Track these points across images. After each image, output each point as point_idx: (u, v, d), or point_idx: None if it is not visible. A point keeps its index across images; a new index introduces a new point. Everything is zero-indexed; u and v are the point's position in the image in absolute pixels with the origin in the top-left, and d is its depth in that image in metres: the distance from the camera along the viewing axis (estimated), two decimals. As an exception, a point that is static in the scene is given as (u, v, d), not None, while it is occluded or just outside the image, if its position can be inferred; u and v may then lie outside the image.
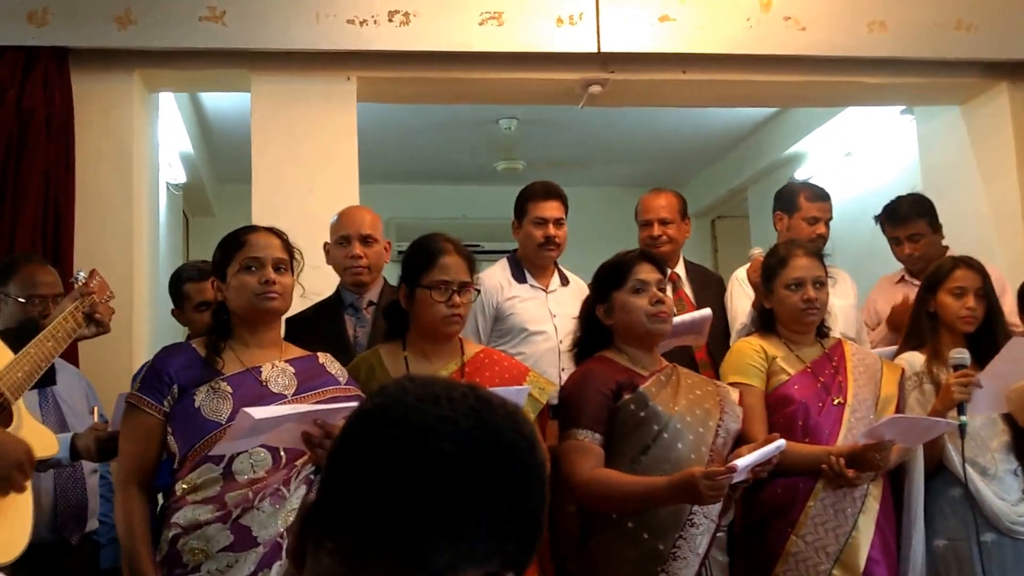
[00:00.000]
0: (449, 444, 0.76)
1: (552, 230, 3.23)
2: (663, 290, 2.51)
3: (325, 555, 0.78)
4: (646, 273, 2.49)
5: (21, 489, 2.15)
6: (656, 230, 3.42)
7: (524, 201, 3.29)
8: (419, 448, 0.76)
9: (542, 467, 0.81)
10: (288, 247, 2.32)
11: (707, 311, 3.05)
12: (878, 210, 3.73)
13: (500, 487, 0.77)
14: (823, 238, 3.53)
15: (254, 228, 2.34)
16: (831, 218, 3.61)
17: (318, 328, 2.87)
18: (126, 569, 2.17)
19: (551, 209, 3.24)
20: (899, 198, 3.70)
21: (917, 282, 3.60)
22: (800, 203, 3.59)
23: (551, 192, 3.28)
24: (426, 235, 2.54)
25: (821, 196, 3.64)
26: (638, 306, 2.47)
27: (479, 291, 2.56)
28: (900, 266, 3.73)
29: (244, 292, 2.24)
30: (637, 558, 2.34)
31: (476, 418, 0.78)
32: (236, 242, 2.28)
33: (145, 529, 2.19)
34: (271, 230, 2.33)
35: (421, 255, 2.46)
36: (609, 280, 2.53)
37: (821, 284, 2.74)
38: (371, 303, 3.00)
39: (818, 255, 2.80)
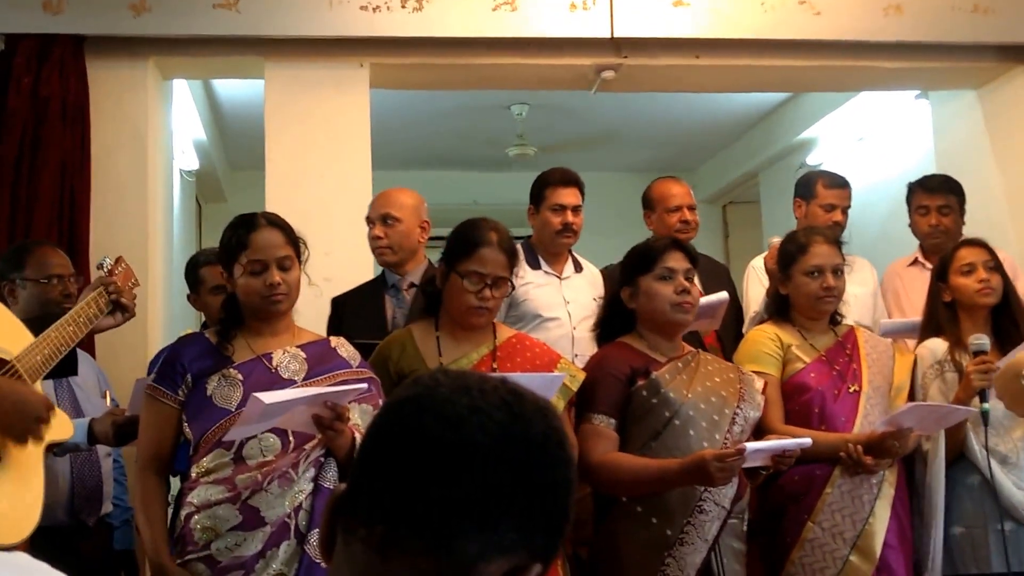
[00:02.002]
0: (481, 435, 0.77)
1: (570, 217, 3.22)
2: (690, 280, 2.50)
3: (356, 542, 0.79)
4: (675, 261, 2.48)
5: (41, 439, 2.19)
6: (687, 215, 3.43)
7: (542, 187, 3.27)
8: (451, 438, 0.77)
9: (571, 461, 0.82)
10: (292, 239, 2.30)
11: (724, 295, 3.05)
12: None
13: (530, 479, 0.78)
14: (839, 226, 3.52)
15: (256, 225, 2.28)
16: (849, 206, 3.60)
17: (359, 309, 2.90)
18: (141, 553, 2.21)
19: (569, 196, 3.23)
20: (935, 173, 3.72)
21: (929, 266, 3.60)
22: (817, 190, 3.59)
23: (569, 179, 3.26)
24: (475, 219, 2.50)
25: (839, 183, 3.64)
26: (663, 294, 2.47)
27: (515, 286, 2.54)
28: (911, 250, 3.72)
29: (251, 294, 2.25)
30: (645, 542, 2.35)
31: (507, 410, 0.79)
32: (239, 241, 2.26)
33: (162, 515, 2.25)
34: (274, 223, 2.30)
35: (463, 240, 2.44)
36: (637, 264, 2.52)
37: (839, 272, 2.74)
38: (412, 285, 3.00)
39: (837, 243, 2.78)
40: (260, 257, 2.24)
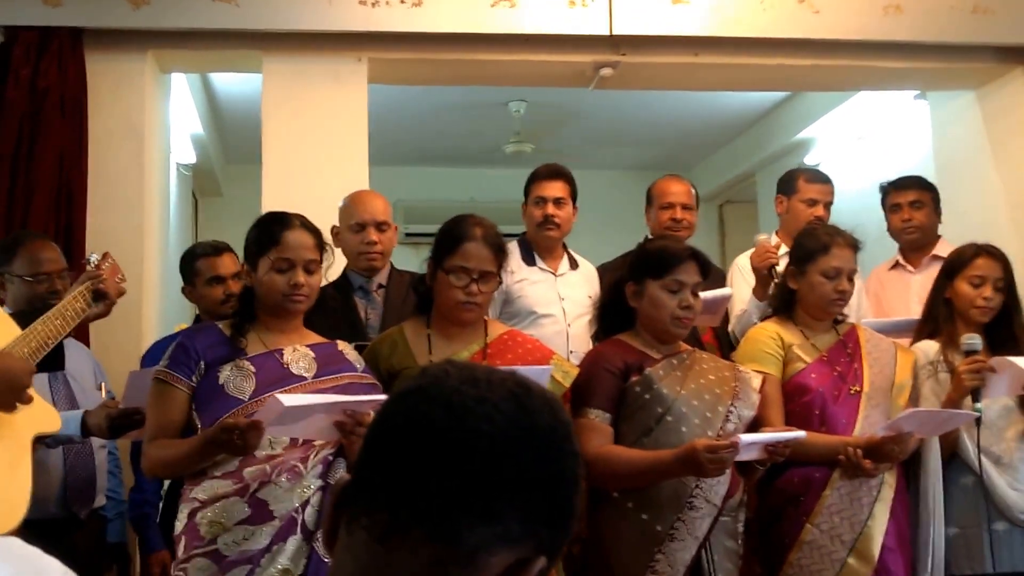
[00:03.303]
0: (488, 425, 0.77)
1: (551, 209, 3.23)
2: (696, 294, 2.49)
3: (359, 530, 0.79)
4: (687, 274, 2.48)
5: (29, 402, 2.18)
6: (679, 213, 3.43)
7: (529, 183, 3.32)
8: (458, 427, 0.77)
9: (577, 455, 0.82)
10: (321, 245, 2.33)
11: (728, 291, 3.06)
12: (880, 199, 3.74)
13: (536, 470, 0.78)
14: (821, 221, 3.54)
15: (290, 224, 2.30)
16: (831, 202, 3.62)
17: (329, 311, 2.88)
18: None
19: (552, 189, 3.25)
20: (909, 175, 3.76)
21: (912, 268, 3.63)
22: (799, 185, 3.61)
23: (553, 172, 3.29)
24: (460, 216, 2.51)
25: (820, 179, 3.67)
26: (667, 305, 2.47)
27: (502, 280, 2.55)
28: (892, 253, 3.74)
29: (273, 291, 2.27)
30: (635, 538, 2.36)
31: (515, 402, 0.79)
32: (271, 238, 2.28)
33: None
34: (306, 226, 2.32)
35: (448, 237, 2.46)
36: (650, 266, 2.51)
37: (852, 278, 2.74)
38: (380, 286, 3.02)
39: (856, 247, 2.76)
40: (289, 256, 2.26)
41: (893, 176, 3.82)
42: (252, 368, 2.22)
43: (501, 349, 2.48)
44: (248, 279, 2.33)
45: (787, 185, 3.66)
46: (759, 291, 3.20)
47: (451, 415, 0.78)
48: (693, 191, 3.52)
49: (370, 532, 0.78)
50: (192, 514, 2.11)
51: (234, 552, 2.05)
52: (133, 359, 3.27)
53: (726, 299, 3.04)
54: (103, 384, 2.85)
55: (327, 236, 2.37)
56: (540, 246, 3.30)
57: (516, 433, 0.78)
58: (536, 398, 0.81)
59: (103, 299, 2.52)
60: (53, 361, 2.38)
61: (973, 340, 2.68)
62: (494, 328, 2.56)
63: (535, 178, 3.30)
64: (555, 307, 3.18)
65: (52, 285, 2.67)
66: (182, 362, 2.23)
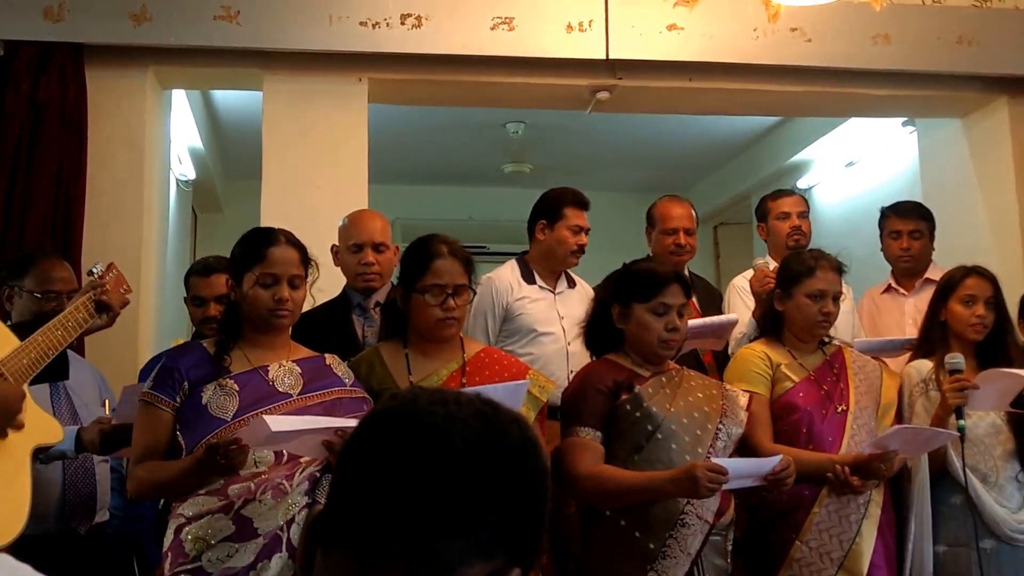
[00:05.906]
0: (460, 441, 0.80)
1: (584, 239, 3.28)
2: (682, 315, 2.53)
3: (338, 553, 0.81)
4: (672, 297, 2.51)
5: (20, 428, 2.18)
6: (683, 239, 3.47)
7: (560, 205, 3.29)
8: (430, 444, 0.80)
9: (546, 470, 0.85)
10: (305, 260, 2.34)
11: (734, 316, 3.10)
12: (878, 220, 3.80)
13: (507, 484, 0.80)
14: (803, 233, 3.61)
15: (275, 240, 2.32)
16: (804, 211, 3.73)
17: (326, 328, 2.91)
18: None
19: (585, 218, 3.30)
20: (907, 200, 3.83)
21: (904, 291, 3.68)
22: (769, 206, 3.74)
23: (585, 201, 3.32)
24: (421, 237, 2.54)
25: (785, 193, 3.80)
26: (654, 327, 2.50)
27: (476, 292, 2.57)
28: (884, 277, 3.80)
29: (257, 306, 2.28)
30: (628, 556, 2.37)
31: (483, 419, 0.82)
32: (256, 254, 2.29)
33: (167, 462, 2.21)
34: (291, 241, 2.33)
35: (416, 259, 2.48)
36: (635, 289, 2.54)
37: (837, 299, 2.79)
38: (378, 304, 3.04)
39: (840, 271, 2.81)
40: (274, 271, 2.27)
41: (882, 201, 3.89)
42: (235, 386, 2.20)
43: (479, 366, 2.50)
44: (234, 295, 2.33)
45: (760, 210, 3.79)
46: (759, 314, 3.24)
47: (423, 433, 0.80)
48: (694, 213, 3.56)
49: (348, 554, 0.79)
50: (178, 530, 2.09)
51: (218, 569, 2.02)
52: (130, 373, 3.28)
53: (732, 324, 3.08)
54: (108, 400, 2.81)
55: (313, 252, 2.38)
56: (548, 267, 3.31)
57: (487, 449, 0.80)
58: (504, 416, 0.83)
59: (106, 310, 2.51)
60: (56, 371, 2.36)
61: (956, 359, 2.73)
62: (471, 346, 2.57)
63: (568, 203, 3.29)
64: (555, 325, 3.21)
65: (60, 304, 2.64)
66: (166, 383, 2.22)
